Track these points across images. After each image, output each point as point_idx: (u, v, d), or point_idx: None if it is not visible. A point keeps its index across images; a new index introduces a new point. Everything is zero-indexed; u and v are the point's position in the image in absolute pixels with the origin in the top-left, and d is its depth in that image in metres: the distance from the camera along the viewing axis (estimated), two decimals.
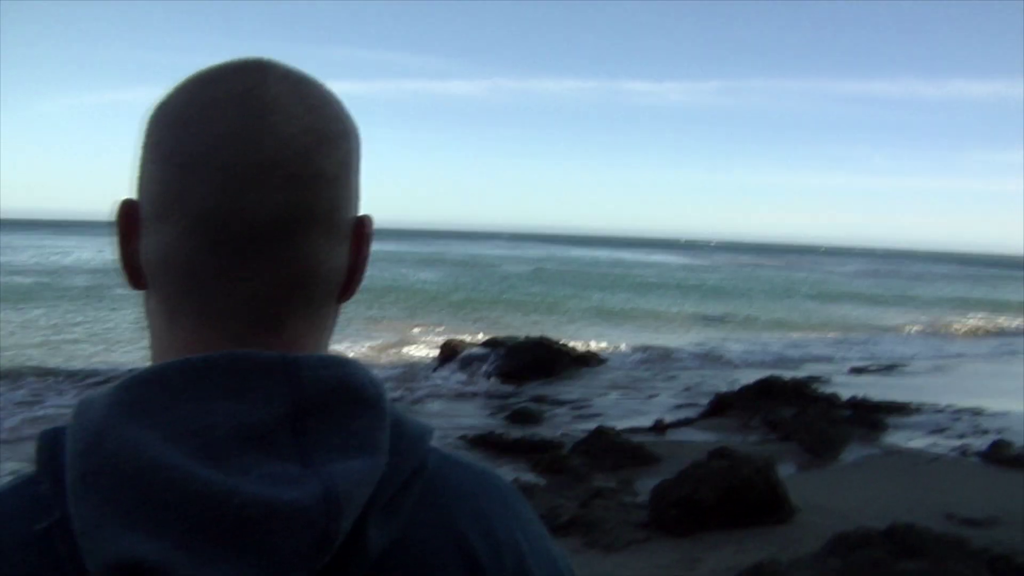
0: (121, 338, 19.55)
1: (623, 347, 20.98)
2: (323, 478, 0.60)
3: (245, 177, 0.64)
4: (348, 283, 0.73)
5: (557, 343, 18.25)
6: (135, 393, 0.61)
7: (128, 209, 0.70)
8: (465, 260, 69.81)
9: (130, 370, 0.66)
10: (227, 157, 0.64)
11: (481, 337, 19.49)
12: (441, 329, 22.90)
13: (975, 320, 32.42)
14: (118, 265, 0.71)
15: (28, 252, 58.89)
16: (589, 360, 18.43)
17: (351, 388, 0.65)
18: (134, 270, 0.71)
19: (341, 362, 0.66)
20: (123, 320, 21.84)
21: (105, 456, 0.58)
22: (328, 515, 0.59)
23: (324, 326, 0.72)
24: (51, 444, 0.63)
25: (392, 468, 0.65)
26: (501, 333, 19.89)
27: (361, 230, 0.73)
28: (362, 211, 0.74)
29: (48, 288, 32.18)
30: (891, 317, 33.24)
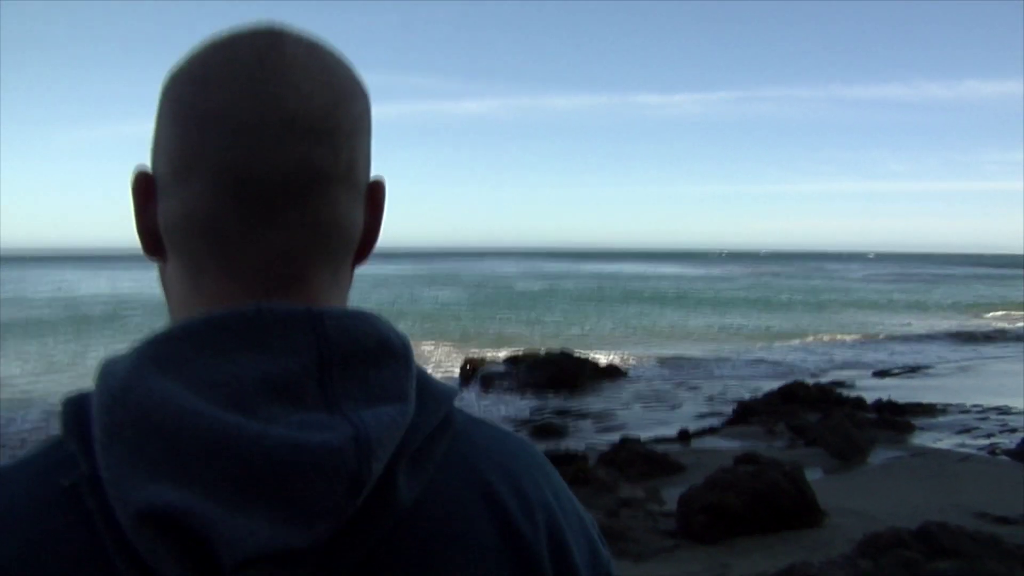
0: None
1: (645, 359, 20.98)
2: (352, 423, 0.60)
3: (267, 131, 0.64)
4: (364, 244, 0.73)
5: (578, 357, 18.27)
6: (160, 348, 0.61)
7: (143, 177, 0.69)
8: (479, 279, 69.99)
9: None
10: (248, 112, 0.64)
11: (502, 354, 19.49)
12: (460, 348, 22.95)
13: (996, 321, 32.18)
14: (136, 234, 0.70)
15: (44, 285, 59.51)
16: (611, 373, 18.44)
17: (377, 339, 0.65)
18: (152, 237, 0.70)
19: (366, 315, 0.67)
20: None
21: (131, 408, 0.58)
22: (359, 458, 0.58)
23: (344, 285, 0.72)
24: (76, 406, 0.62)
25: (419, 418, 0.65)
26: (520, 350, 19.90)
27: (376, 192, 0.73)
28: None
29: (67, 320, 32.51)
30: (912, 320, 33.10)
